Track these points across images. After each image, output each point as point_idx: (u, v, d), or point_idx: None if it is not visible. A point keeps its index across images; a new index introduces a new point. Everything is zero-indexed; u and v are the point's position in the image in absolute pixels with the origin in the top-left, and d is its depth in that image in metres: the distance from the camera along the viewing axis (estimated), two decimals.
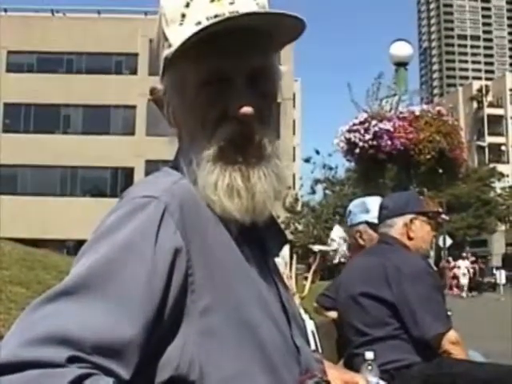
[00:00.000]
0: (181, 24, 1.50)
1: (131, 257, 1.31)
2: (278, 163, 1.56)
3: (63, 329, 1.18)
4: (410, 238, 4.21)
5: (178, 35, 1.48)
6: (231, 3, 1.50)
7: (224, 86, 1.49)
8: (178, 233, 1.37)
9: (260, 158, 1.52)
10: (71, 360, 1.16)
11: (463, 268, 42.86)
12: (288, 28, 1.51)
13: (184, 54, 1.45)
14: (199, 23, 1.47)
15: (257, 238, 1.59)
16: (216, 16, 1.47)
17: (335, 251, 16.60)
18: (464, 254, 46.42)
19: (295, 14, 1.45)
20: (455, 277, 43.10)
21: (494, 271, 48.55)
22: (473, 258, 46.82)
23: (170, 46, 1.51)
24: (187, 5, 1.51)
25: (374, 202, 5.09)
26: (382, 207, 4.36)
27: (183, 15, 1.50)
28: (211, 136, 1.49)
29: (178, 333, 1.35)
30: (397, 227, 4.21)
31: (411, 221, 4.23)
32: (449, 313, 4.08)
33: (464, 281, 42.35)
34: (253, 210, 1.50)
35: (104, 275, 1.27)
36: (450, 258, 45.75)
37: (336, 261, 16.56)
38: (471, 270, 43.81)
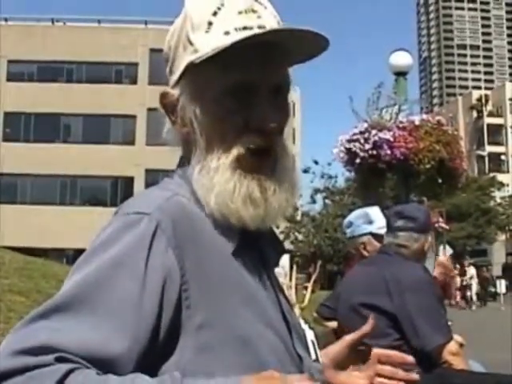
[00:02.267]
0: (207, 32, 1.51)
1: (122, 273, 1.31)
2: (293, 176, 1.59)
3: (52, 342, 1.19)
4: (424, 255, 4.23)
5: (205, 42, 1.50)
6: (258, 17, 1.53)
7: (248, 98, 1.50)
8: (171, 249, 1.37)
9: (276, 170, 1.54)
10: (59, 359, 1.17)
11: (467, 278, 40.98)
12: (310, 45, 1.52)
13: (210, 61, 1.46)
14: (227, 33, 1.49)
15: (256, 249, 1.59)
16: (245, 28, 1.49)
17: None
18: (472, 261, 45.18)
19: (322, 33, 1.46)
20: (464, 286, 41.14)
21: (496, 281, 48.19)
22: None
23: (195, 51, 1.51)
24: (215, 13, 1.52)
25: (376, 213, 5.08)
26: (405, 217, 4.27)
27: (210, 23, 1.51)
28: (231, 145, 1.50)
29: (174, 349, 1.34)
30: (421, 243, 4.20)
31: (428, 239, 4.25)
32: (449, 323, 4.07)
33: (473, 290, 40.70)
34: (265, 219, 1.52)
35: (94, 291, 1.28)
36: (466, 263, 44.95)
37: None
38: (474, 281, 42.08)
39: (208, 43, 1.48)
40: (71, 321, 1.24)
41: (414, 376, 1.93)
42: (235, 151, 1.50)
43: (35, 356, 1.16)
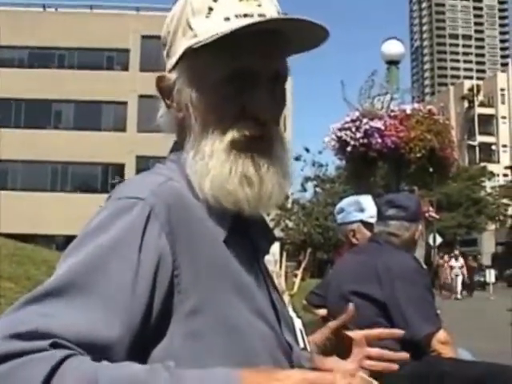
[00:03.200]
0: (207, 17, 1.51)
1: (115, 258, 1.30)
2: (286, 161, 1.59)
3: (45, 327, 1.18)
4: (414, 243, 4.25)
5: (205, 27, 1.49)
6: (258, 5, 1.53)
7: (245, 85, 1.50)
8: (164, 234, 1.36)
9: (270, 154, 1.54)
10: (53, 345, 1.16)
11: (456, 269, 40.66)
12: (310, 35, 1.53)
13: (209, 46, 1.46)
14: (228, 19, 1.49)
15: (247, 237, 1.59)
16: (245, 15, 1.49)
17: None
18: (456, 252, 44.46)
19: (322, 24, 1.47)
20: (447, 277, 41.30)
21: (486, 270, 48.15)
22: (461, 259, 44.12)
23: (195, 36, 1.51)
24: None
25: (368, 202, 5.10)
26: (399, 205, 4.28)
27: (210, 8, 1.51)
28: (226, 131, 1.50)
29: (165, 334, 1.35)
30: (411, 232, 4.22)
31: (418, 228, 4.26)
32: (438, 311, 4.09)
33: (458, 282, 40.21)
34: (260, 201, 1.52)
35: (87, 277, 1.27)
36: (446, 257, 44.52)
37: None
38: (465, 270, 41.80)
39: (208, 28, 1.48)
40: (64, 306, 1.23)
41: (402, 355, 1.94)
42: (230, 136, 1.50)
43: (29, 341, 1.15)
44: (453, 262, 41.66)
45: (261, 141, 1.52)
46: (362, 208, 5.08)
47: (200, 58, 1.51)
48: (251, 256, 1.57)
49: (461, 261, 42.14)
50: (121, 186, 1.52)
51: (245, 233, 1.57)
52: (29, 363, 1.12)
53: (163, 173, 1.54)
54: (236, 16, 1.49)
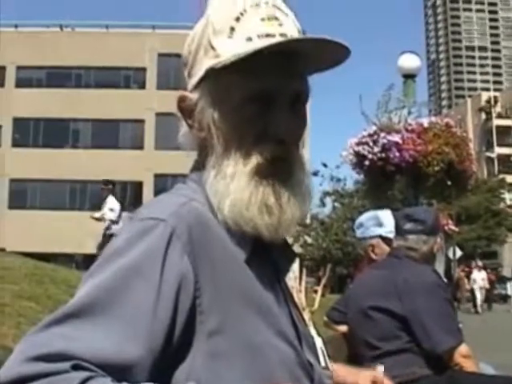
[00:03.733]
0: (229, 37, 1.51)
1: (137, 280, 1.30)
2: (306, 188, 1.59)
3: (67, 349, 1.18)
4: (433, 256, 4.24)
5: (227, 47, 1.49)
6: (280, 25, 1.52)
7: (267, 106, 1.50)
8: (185, 256, 1.36)
9: (291, 179, 1.53)
10: (75, 367, 1.16)
11: (479, 280, 39.26)
12: (331, 54, 1.52)
13: (232, 66, 1.46)
14: (250, 39, 1.48)
15: (268, 256, 1.58)
16: (267, 35, 1.49)
17: (113, 221, 17.03)
18: (480, 264, 43.07)
19: (343, 42, 1.46)
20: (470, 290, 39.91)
21: (507, 283, 47.66)
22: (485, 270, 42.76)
23: (217, 56, 1.50)
24: (237, 19, 1.51)
25: (387, 216, 5.08)
26: (417, 219, 4.27)
27: (232, 28, 1.51)
28: (248, 152, 1.49)
29: (187, 355, 1.34)
30: (429, 246, 4.20)
31: (437, 241, 4.25)
32: (460, 325, 4.06)
33: (479, 296, 38.45)
34: (280, 228, 1.51)
35: (109, 298, 1.27)
36: (466, 268, 43.55)
37: (113, 232, 16.91)
38: (487, 283, 40.52)
39: (230, 49, 1.48)
40: (86, 328, 1.23)
41: None
42: (253, 159, 1.49)
43: (51, 363, 1.15)
44: (475, 274, 40.42)
45: (283, 163, 1.52)
46: (380, 223, 5.06)
47: (222, 79, 1.51)
48: (272, 275, 1.57)
49: (483, 272, 40.95)
50: (142, 207, 1.52)
51: (265, 252, 1.55)
52: None
53: (184, 193, 1.54)
54: (258, 36, 1.49)
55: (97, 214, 18.38)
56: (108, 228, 17.38)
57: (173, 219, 1.39)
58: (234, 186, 1.48)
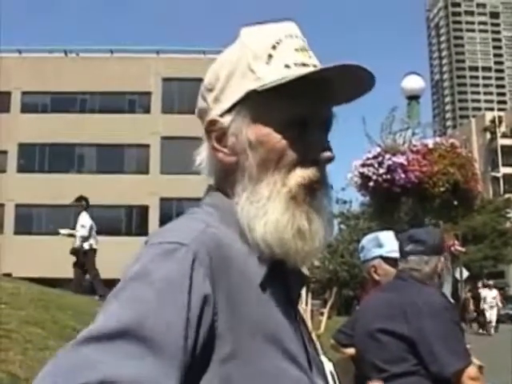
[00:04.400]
0: (267, 63, 1.54)
1: (166, 304, 1.29)
2: (331, 210, 1.62)
3: (112, 378, 1.17)
4: (439, 277, 4.22)
5: (268, 72, 1.53)
6: (310, 57, 1.58)
7: (304, 130, 1.53)
8: (208, 279, 1.35)
9: (321, 203, 1.56)
10: None
11: (489, 299, 37.20)
12: (357, 85, 1.57)
13: (273, 90, 1.49)
14: (288, 66, 1.52)
15: (283, 279, 1.57)
16: (303, 64, 1.54)
17: (85, 238, 17.14)
18: (490, 282, 41.31)
19: (371, 71, 1.51)
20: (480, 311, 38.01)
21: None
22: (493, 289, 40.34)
23: (258, 79, 1.53)
24: (274, 47, 1.56)
25: (386, 237, 5.09)
26: (417, 240, 4.28)
27: (270, 56, 1.55)
28: (287, 174, 1.51)
29: (201, 378, 1.33)
30: (431, 266, 4.19)
31: (441, 260, 4.23)
32: (468, 346, 4.04)
33: (492, 316, 36.53)
34: (309, 254, 1.54)
35: (139, 324, 1.25)
36: (480, 284, 42.34)
37: (86, 248, 16.93)
38: (499, 302, 38.76)
39: (270, 73, 1.52)
40: (120, 354, 1.21)
41: None
42: (291, 181, 1.51)
43: None
44: (486, 292, 38.64)
45: (319, 189, 1.55)
46: (380, 244, 5.07)
47: (262, 102, 1.53)
48: (286, 298, 1.56)
49: (494, 291, 39.20)
50: (158, 231, 1.51)
51: (281, 276, 1.55)
52: None
53: (201, 218, 1.53)
54: (295, 64, 1.53)
55: (63, 231, 18.59)
56: (81, 245, 17.51)
57: (194, 244, 1.39)
58: (271, 207, 1.50)
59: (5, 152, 53.10)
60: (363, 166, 11.54)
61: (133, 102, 55.95)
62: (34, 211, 52.46)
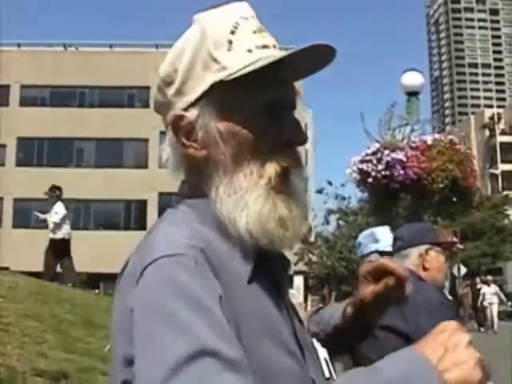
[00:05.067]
0: (229, 50, 1.51)
1: (202, 317, 1.25)
2: (307, 196, 1.63)
3: None
4: (424, 269, 4.18)
5: (231, 60, 1.50)
6: (269, 37, 1.58)
7: (276, 115, 1.52)
8: (216, 281, 1.34)
9: (298, 189, 1.56)
10: None
11: (488, 295, 35.39)
12: (318, 58, 1.54)
13: (239, 79, 1.47)
14: (250, 51, 1.50)
15: (269, 269, 1.57)
16: (264, 46, 1.52)
17: (57, 224, 17.21)
18: (489, 278, 39.38)
19: (332, 45, 1.49)
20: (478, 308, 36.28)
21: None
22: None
23: (223, 68, 1.50)
24: (232, 32, 1.53)
25: (382, 232, 5.11)
26: (396, 238, 4.31)
27: (230, 41, 1.52)
28: (263, 162, 1.50)
29: None
30: (412, 258, 4.18)
31: (426, 251, 4.19)
32: None
33: (493, 313, 34.43)
34: (293, 240, 1.54)
35: (203, 343, 1.21)
36: (478, 280, 41.62)
37: (59, 236, 17.08)
38: (502, 297, 37.67)
39: (234, 61, 1.49)
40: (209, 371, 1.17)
41: None
42: (268, 169, 1.49)
43: None
44: (485, 289, 36.61)
45: (293, 170, 1.54)
46: (376, 239, 5.09)
47: (229, 91, 1.50)
48: (275, 289, 1.55)
49: (494, 287, 37.38)
50: (148, 248, 1.42)
51: (266, 267, 1.54)
52: None
53: (180, 221, 1.51)
54: (257, 47, 1.51)
55: (39, 215, 18.78)
56: (53, 232, 17.57)
57: (190, 251, 1.36)
58: (251, 199, 1.48)
59: (3, 146, 53.05)
60: (362, 162, 11.56)
61: (132, 97, 55.88)
62: (32, 205, 52.32)
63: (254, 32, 1.54)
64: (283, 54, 1.48)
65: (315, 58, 1.52)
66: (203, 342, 1.20)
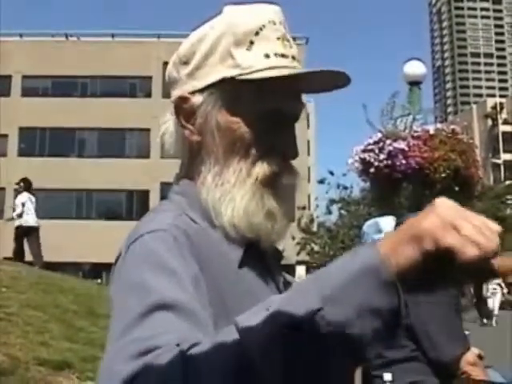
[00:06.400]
0: (248, 49, 1.53)
1: (164, 275, 1.29)
2: (296, 193, 1.65)
3: (157, 342, 1.15)
4: None
5: (247, 60, 1.52)
6: (291, 47, 1.58)
7: (276, 123, 1.54)
8: (194, 263, 1.36)
9: (288, 189, 1.59)
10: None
11: (491, 285, 33.51)
12: (332, 80, 1.56)
13: (250, 80, 1.49)
14: (268, 56, 1.52)
15: (259, 258, 1.59)
16: (283, 55, 1.54)
17: (18, 215, 17.90)
18: None
19: (347, 74, 1.50)
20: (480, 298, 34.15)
21: None
22: None
23: (237, 66, 1.52)
24: (257, 33, 1.54)
25: (386, 222, 5.10)
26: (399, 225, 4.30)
27: (252, 42, 1.53)
28: (254, 163, 1.52)
29: None
30: None
31: None
32: (466, 332, 4.05)
33: (495, 303, 33.17)
34: (281, 234, 1.58)
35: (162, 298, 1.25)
36: None
37: (25, 224, 17.75)
38: (504, 285, 36.35)
39: (249, 62, 1.51)
40: (160, 324, 1.20)
41: None
42: (258, 170, 1.52)
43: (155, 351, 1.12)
44: None
45: (284, 176, 1.56)
46: (379, 229, 5.09)
47: (238, 89, 1.52)
48: (267, 275, 1.59)
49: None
50: (133, 231, 1.48)
51: (257, 254, 1.57)
52: (161, 355, 1.10)
53: (171, 208, 1.54)
54: (275, 55, 1.53)
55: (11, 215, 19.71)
56: (19, 220, 18.29)
57: (172, 229, 1.41)
58: (238, 194, 1.51)
59: (5, 136, 53.03)
60: (364, 151, 11.53)
61: (134, 86, 55.84)
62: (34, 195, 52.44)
63: (278, 38, 1.56)
64: (297, 70, 1.51)
65: (329, 79, 1.54)
66: (162, 297, 1.23)
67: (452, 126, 12.09)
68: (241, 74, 1.50)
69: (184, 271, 1.32)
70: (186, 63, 1.61)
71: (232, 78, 1.52)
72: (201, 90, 1.57)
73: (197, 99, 1.57)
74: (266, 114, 1.51)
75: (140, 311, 1.21)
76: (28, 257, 17.97)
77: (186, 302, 1.24)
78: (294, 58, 1.56)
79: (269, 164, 1.53)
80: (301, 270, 50.81)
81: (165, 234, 1.39)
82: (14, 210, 18.84)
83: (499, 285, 34.52)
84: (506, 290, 37.74)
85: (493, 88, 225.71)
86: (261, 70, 1.49)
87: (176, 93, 1.62)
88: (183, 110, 1.59)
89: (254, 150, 1.52)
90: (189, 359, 1.08)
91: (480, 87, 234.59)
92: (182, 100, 1.59)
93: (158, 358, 1.10)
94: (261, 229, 1.51)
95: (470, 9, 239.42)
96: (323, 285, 1.08)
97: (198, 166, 1.58)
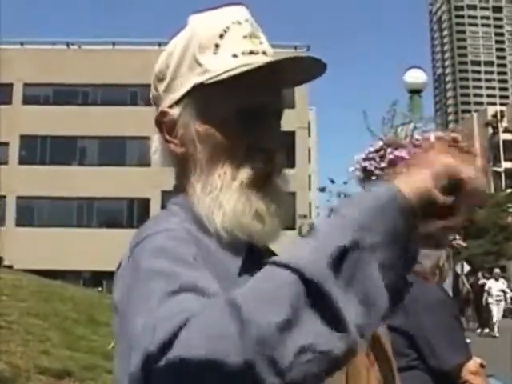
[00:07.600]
0: (215, 53, 1.54)
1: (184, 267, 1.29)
2: (286, 195, 1.63)
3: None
4: (441, 271, 4.19)
5: (215, 64, 1.52)
6: (261, 43, 1.59)
7: (254, 120, 1.53)
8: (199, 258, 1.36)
9: (276, 189, 1.58)
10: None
11: (495, 291, 31.71)
12: (308, 70, 1.56)
13: (220, 82, 1.49)
14: (235, 56, 1.52)
15: (257, 263, 1.59)
16: (251, 52, 1.54)
17: None
18: (497, 271, 35.17)
19: (322, 59, 1.50)
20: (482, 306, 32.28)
21: None
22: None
23: (205, 71, 1.53)
24: (221, 36, 1.55)
25: None
26: None
27: (217, 45, 1.54)
28: (238, 165, 1.52)
29: None
30: (433, 259, 4.17)
31: (443, 255, 4.21)
32: (468, 340, 4.04)
33: (499, 313, 31.03)
34: (271, 235, 1.57)
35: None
36: (480, 275, 38.07)
37: None
38: (508, 295, 34.74)
39: (218, 65, 1.52)
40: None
41: None
42: (243, 172, 1.52)
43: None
44: (491, 284, 32.83)
45: (271, 176, 1.56)
46: None
47: (209, 94, 1.53)
48: None
49: (503, 282, 33.68)
50: (136, 234, 1.48)
51: (256, 261, 1.56)
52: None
53: (173, 215, 1.55)
54: (243, 53, 1.53)
55: None
56: None
57: (180, 228, 1.43)
58: (225, 199, 1.51)
59: (6, 144, 53.01)
60: (365, 159, 11.51)
61: (135, 95, 55.83)
62: (35, 203, 52.42)
63: (245, 37, 1.56)
64: (265, 61, 1.50)
65: (306, 68, 1.54)
66: (181, 281, 1.22)
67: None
68: (209, 78, 1.51)
69: (201, 265, 1.33)
70: (162, 79, 1.66)
71: (201, 84, 1.53)
72: (177, 102, 1.60)
73: (175, 111, 1.60)
74: (241, 113, 1.51)
75: (171, 289, 1.20)
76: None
77: (215, 291, 1.23)
78: (264, 53, 1.57)
79: (253, 164, 1.53)
80: None
81: (175, 233, 1.40)
82: None
83: (503, 291, 32.94)
84: (509, 295, 36.63)
85: (493, 96, 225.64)
86: (230, 71, 1.49)
87: (158, 110, 1.66)
88: (165, 124, 1.63)
89: (236, 151, 1.53)
90: (241, 304, 1.08)
91: (481, 95, 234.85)
92: (162, 114, 1.63)
93: (206, 308, 1.10)
94: (251, 230, 1.51)
95: (470, 17, 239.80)
96: (355, 217, 1.13)
97: (188, 177, 1.60)
